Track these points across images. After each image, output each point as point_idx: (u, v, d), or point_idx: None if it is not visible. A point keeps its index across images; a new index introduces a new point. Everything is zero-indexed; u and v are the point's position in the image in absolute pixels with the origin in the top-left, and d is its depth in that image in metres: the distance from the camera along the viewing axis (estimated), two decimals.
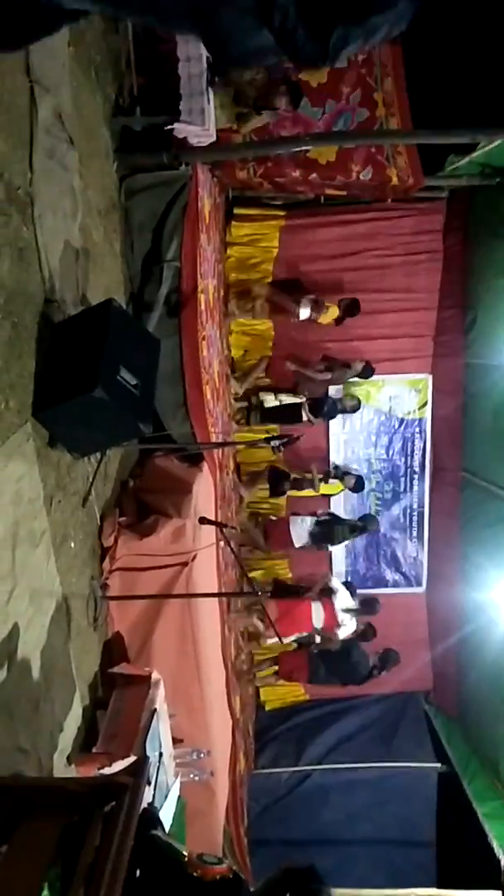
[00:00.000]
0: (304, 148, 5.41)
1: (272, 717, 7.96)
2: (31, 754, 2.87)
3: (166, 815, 3.53)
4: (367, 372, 7.06)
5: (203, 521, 4.05)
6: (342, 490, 7.57)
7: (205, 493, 4.85)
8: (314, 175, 5.79)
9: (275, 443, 4.97)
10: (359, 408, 7.30)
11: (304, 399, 7.11)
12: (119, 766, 3.04)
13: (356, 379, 7.22)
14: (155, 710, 3.62)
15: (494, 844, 6.15)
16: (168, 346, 4.68)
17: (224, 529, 4.15)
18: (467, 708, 7.59)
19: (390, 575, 8.01)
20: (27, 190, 3.11)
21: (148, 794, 3.02)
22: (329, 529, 7.12)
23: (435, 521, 7.80)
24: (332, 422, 7.46)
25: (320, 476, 7.34)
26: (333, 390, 7.31)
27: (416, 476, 7.76)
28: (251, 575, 6.85)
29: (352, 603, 6.61)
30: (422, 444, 7.67)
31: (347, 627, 6.57)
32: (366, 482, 7.55)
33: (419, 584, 8.01)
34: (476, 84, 5.20)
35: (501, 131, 5.00)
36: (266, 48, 1.50)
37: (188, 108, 4.48)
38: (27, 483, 3.01)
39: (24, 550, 2.93)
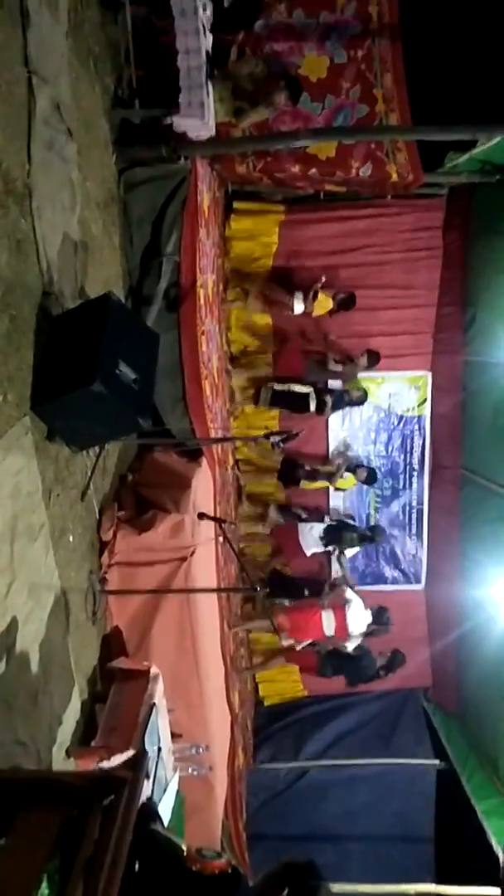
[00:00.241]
0: (303, 143, 5.39)
1: (271, 712, 7.95)
2: (29, 747, 2.86)
3: (165, 810, 3.54)
4: (373, 359, 6.94)
5: (202, 516, 4.04)
6: (355, 484, 7.51)
7: (204, 488, 4.85)
8: (314, 170, 5.78)
9: (274, 439, 4.91)
10: (365, 399, 7.21)
11: (310, 390, 7.02)
12: (118, 759, 3.03)
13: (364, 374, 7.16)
14: (154, 704, 3.62)
15: (493, 841, 6.16)
16: (167, 341, 4.66)
17: (223, 525, 4.14)
18: (466, 705, 7.59)
19: (389, 572, 8.00)
20: (25, 181, 3.09)
21: (147, 789, 3.01)
22: (338, 535, 7.04)
23: (434, 519, 7.79)
24: (331, 418, 7.43)
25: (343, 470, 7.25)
26: (335, 383, 7.27)
27: (415, 473, 7.74)
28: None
29: (366, 617, 6.48)
30: (421, 442, 7.65)
31: (358, 639, 6.54)
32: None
33: (418, 582, 8.00)
34: (476, 81, 5.21)
35: (501, 128, 4.98)
36: None
37: (187, 101, 4.47)
38: (26, 476, 3.00)
39: (22, 544, 2.92)
